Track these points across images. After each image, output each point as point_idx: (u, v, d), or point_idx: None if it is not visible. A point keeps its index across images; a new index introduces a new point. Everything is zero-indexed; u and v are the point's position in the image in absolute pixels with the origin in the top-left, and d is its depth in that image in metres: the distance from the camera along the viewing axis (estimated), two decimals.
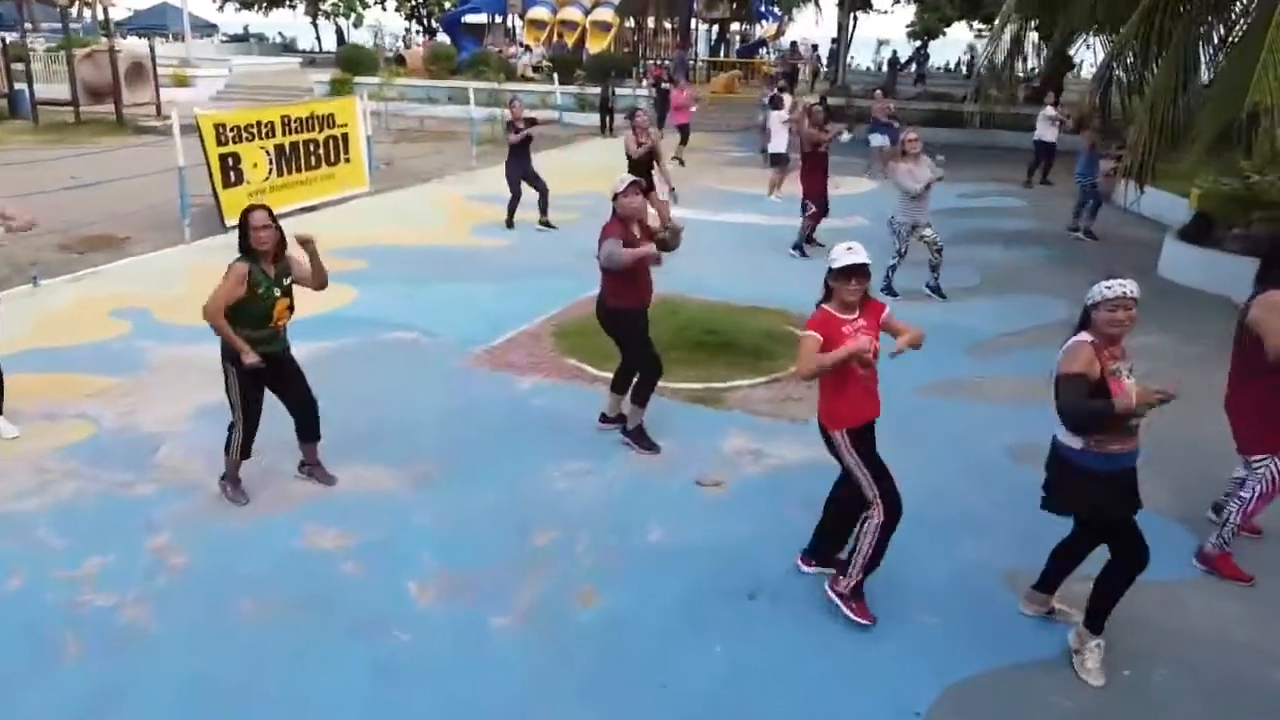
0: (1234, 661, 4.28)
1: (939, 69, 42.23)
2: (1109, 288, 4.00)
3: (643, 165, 11.40)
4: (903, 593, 4.58)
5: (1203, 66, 10.41)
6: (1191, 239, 11.24)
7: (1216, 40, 10.31)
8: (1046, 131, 17.10)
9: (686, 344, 8.15)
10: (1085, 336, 4.08)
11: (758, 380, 7.56)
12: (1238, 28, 9.97)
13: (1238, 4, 10.26)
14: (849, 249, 4.39)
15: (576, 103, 26.26)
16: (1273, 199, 11.53)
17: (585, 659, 4.20)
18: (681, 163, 18.50)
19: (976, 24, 36.02)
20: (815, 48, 39.79)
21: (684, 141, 19.58)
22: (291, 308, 5.45)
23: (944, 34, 37.91)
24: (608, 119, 23.97)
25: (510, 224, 12.87)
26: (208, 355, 7.68)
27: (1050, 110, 16.97)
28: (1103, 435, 4.00)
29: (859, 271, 4.32)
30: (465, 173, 17.21)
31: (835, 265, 4.35)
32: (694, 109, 20.57)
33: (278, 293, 5.31)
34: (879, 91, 20.26)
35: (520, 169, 12.87)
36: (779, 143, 15.88)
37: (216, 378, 6.89)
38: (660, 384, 7.35)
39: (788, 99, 17.87)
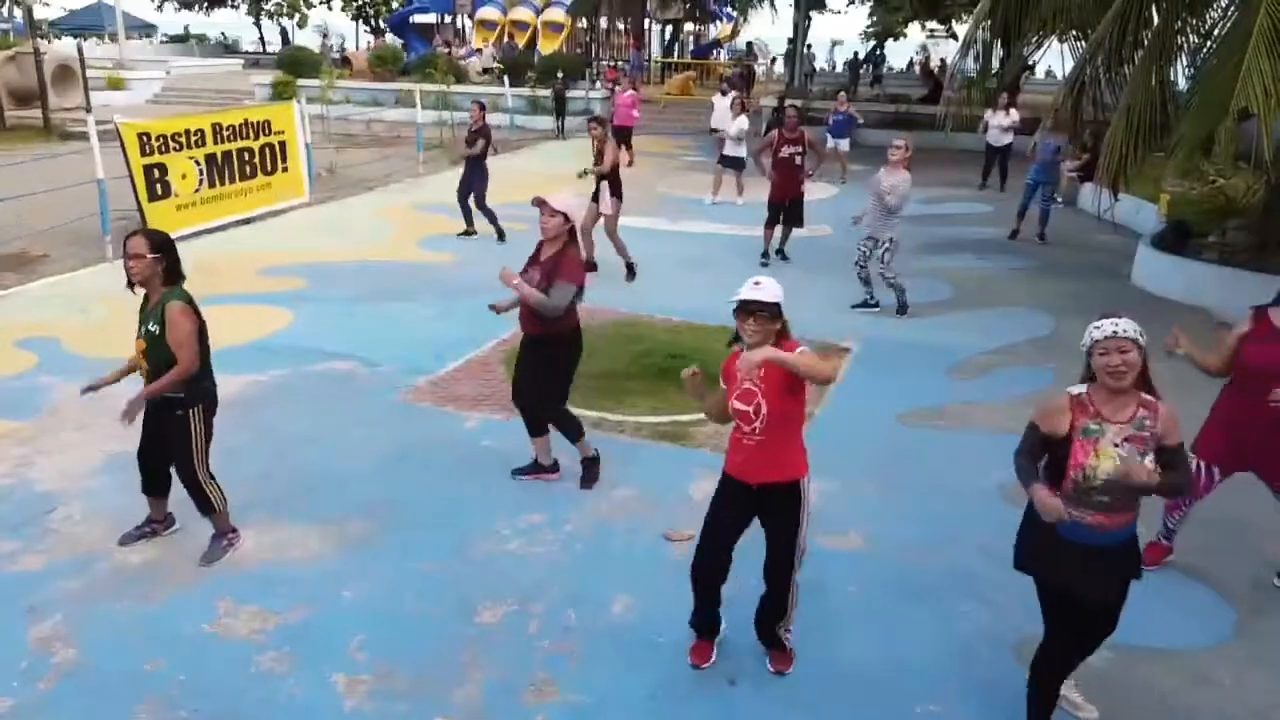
0: None
1: (894, 70, 42.05)
2: (1097, 327, 3.40)
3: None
4: (899, 676, 4.02)
5: (1180, 69, 10.08)
6: (1166, 247, 10.89)
7: (1195, 40, 9.95)
8: (1001, 136, 16.88)
9: (649, 373, 7.59)
10: (1077, 388, 3.48)
11: None
12: (1217, 29, 9.59)
13: (1215, 5, 9.90)
14: (755, 283, 3.84)
15: (529, 105, 25.57)
16: (1244, 205, 11.25)
17: None
18: (630, 163, 18.10)
19: (931, 24, 35.78)
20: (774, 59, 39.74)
21: (627, 146, 19.10)
22: (148, 358, 4.63)
23: (904, 35, 37.64)
24: (561, 122, 23.35)
25: (501, 236, 12.16)
26: (124, 393, 7.00)
27: (1006, 118, 16.72)
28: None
29: (755, 309, 3.77)
30: (412, 180, 16.47)
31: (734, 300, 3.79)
32: (637, 113, 20.04)
33: (139, 329, 4.62)
34: (842, 94, 19.84)
35: (483, 179, 12.22)
36: (734, 147, 15.36)
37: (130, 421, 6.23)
38: (622, 419, 6.81)
39: (733, 95, 17.67)
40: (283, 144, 13.34)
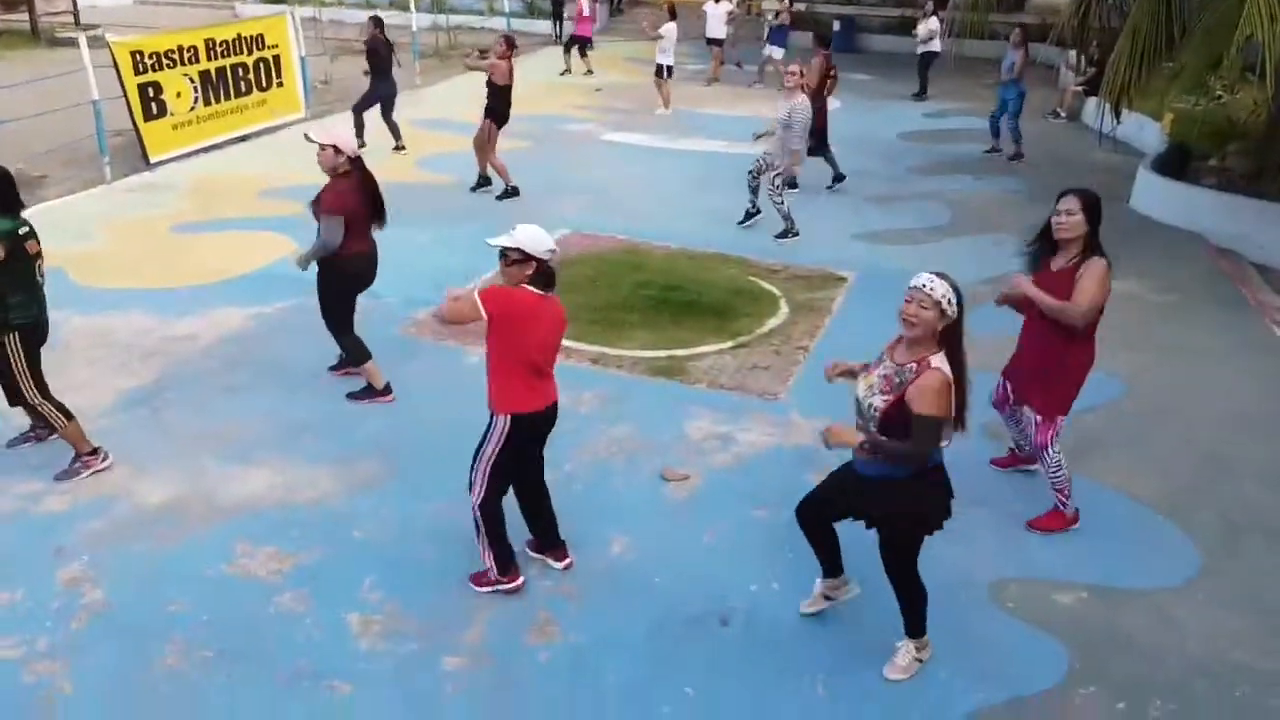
0: (1235, 693, 4.05)
1: None
2: (916, 276, 3.63)
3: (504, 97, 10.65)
4: (881, 620, 4.23)
5: None
6: (1166, 171, 10.86)
7: None
8: (923, 45, 17.01)
9: (647, 304, 7.72)
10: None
11: (724, 345, 7.14)
12: None
13: None
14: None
15: (526, 8, 24.94)
16: (1249, 128, 11.17)
17: (549, 716, 3.84)
18: (589, 71, 18.61)
19: None
20: None
21: (583, 54, 18.90)
22: None
23: None
24: (558, 25, 22.81)
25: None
26: (132, 327, 7.16)
27: (924, 26, 16.84)
28: None
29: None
30: (409, 93, 16.17)
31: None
32: (595, 23, 19.90)
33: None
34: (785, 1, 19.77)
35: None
36: (715, 28, 15.96)
37: (140, 357, 6.39)
38: (620, 354, 6.96)
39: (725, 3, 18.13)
40: (277, 59, 13.16)
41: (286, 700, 3.85)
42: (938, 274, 3.60)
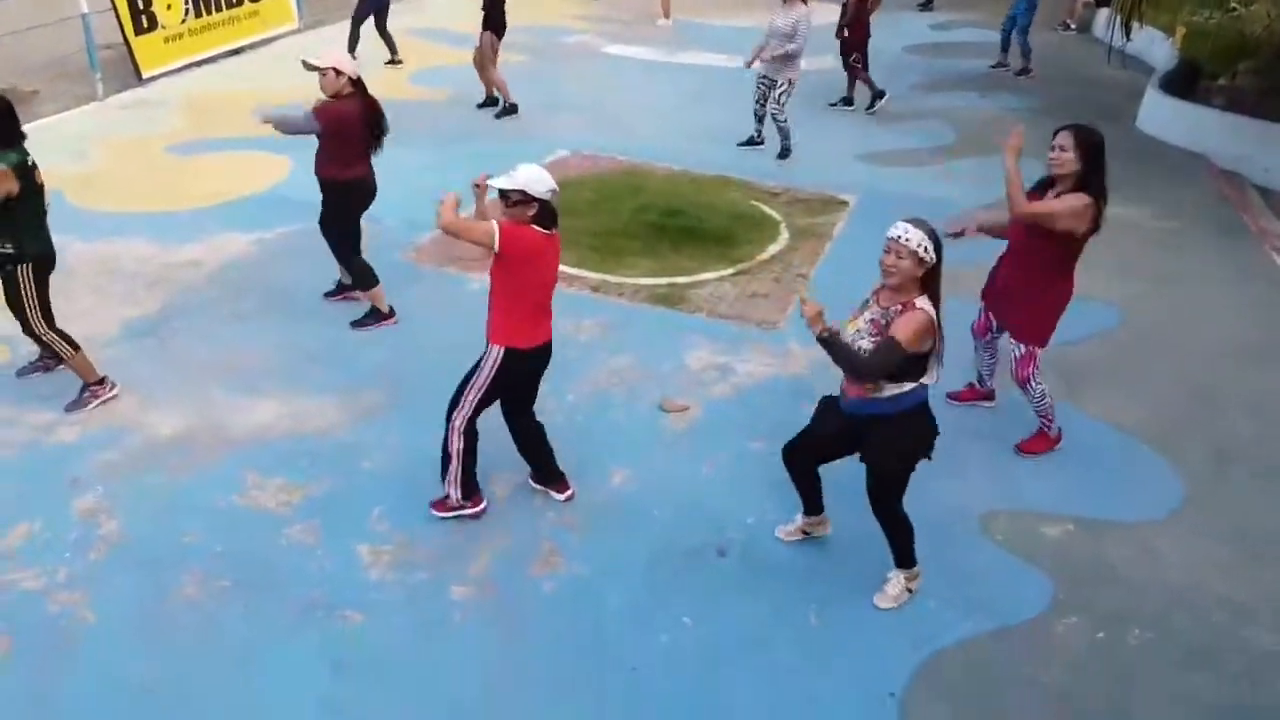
0: (1211, 620, 4.21)
1: None
2: (894, 226, 3.70)
3: None
4: (872, 550, 4.37)
5: None
6: (1174, 90, 10.71)
7: None
8: None
9: (647, 230, 7.71)
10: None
11: (724, 272, 7.17)
12: None
13: None
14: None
15: None
16: (1262, 42, 10.95)
17: (552, 642, 4.01)
18: None
19: None
20: None
21: None
22: None
23: None
24: None
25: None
26: (135, 253, 7.16)
27: None
28: None
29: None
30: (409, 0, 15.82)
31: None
32: None
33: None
34: None
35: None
36: None
37: (144, 284, 6.41)
38: (621, 281, 6.99)
39: None
40: None
41: (302, 629, 4.01)
42: (914, 221, 3.69)
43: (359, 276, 6.22)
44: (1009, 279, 5.11)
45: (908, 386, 3.81)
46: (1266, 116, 9.59)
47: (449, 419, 4.45)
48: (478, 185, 4.36)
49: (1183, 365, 6.19)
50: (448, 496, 4.59)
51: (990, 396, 5.64)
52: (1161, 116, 10.60)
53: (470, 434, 4.48)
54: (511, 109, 10.56)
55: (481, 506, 4.65)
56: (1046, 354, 5.18)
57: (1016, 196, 4.78)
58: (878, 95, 11.10)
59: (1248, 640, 4.13)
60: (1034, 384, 5.09)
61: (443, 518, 4.61)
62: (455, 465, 4.51)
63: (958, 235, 4.99)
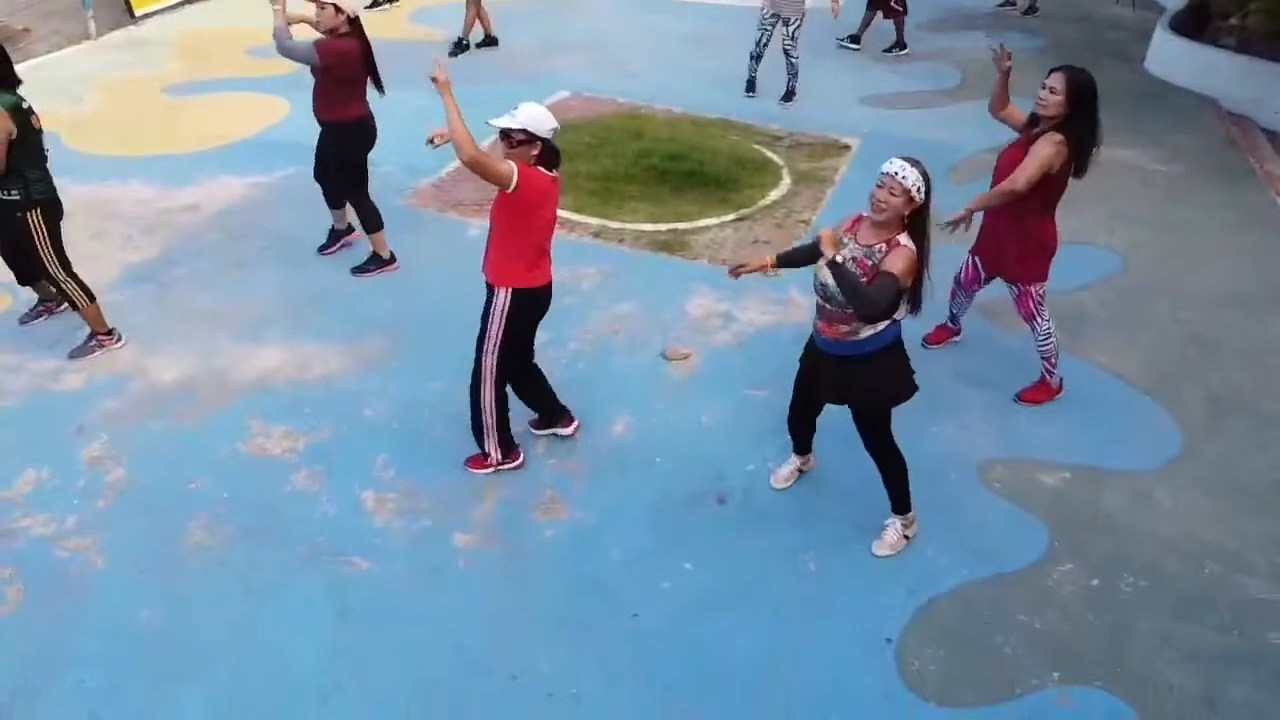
0: (1205, 569, 4.28)
1: None
2: (890, 162, 3.72)
3: None
4: (869, 497, 4.41)
5: None
6: (1183, 30, 10.53)
7: None
8: None
9: (648, 175, 7.66)
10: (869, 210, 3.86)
11: (725, 218, 7.13)
12: None
13: None
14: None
15: None
16: None
17: (554, 588, 4.08)
18: None
19: None
20: None
21: None
22: None
23: None
24: None
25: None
26: (133, 197, 7.11)
27: None
28: None
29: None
30: None
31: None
32: None
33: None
34: None
35: None
36: None
37: (143, 229, 6.38)
38: (622, 227, 6.96)
39: None
40: None
41: (309, 574, 4.07)
42: (910, 160, 3.70)
43: (367, 217, 6.17)
44: (996, 224, 5.12)
45: (881, 326, 3.87)
46: (1277, 58, 9.44)
47: (475, 392, 4.44)
48: (436, 79, 4.22)
49: (1182, 313, 6.18)
50: (487, 455, 4.60)
51: (958, 331, 5.74)
52: (1170, 57, 10.44)
53: (502, 399, 4.48)
54: (464, 47, 10.44)
55: (520, 460, 4.67)
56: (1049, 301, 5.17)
57: (994, 194, 4.92)
58: (901, 45, 10.93)
59: (1240, 588, 4.19)
60: (1040, 320, 5.11)
61: (474, 472, 4.63)
62: (489, 429, 4.51)
63: (955, 225, 4.93)
